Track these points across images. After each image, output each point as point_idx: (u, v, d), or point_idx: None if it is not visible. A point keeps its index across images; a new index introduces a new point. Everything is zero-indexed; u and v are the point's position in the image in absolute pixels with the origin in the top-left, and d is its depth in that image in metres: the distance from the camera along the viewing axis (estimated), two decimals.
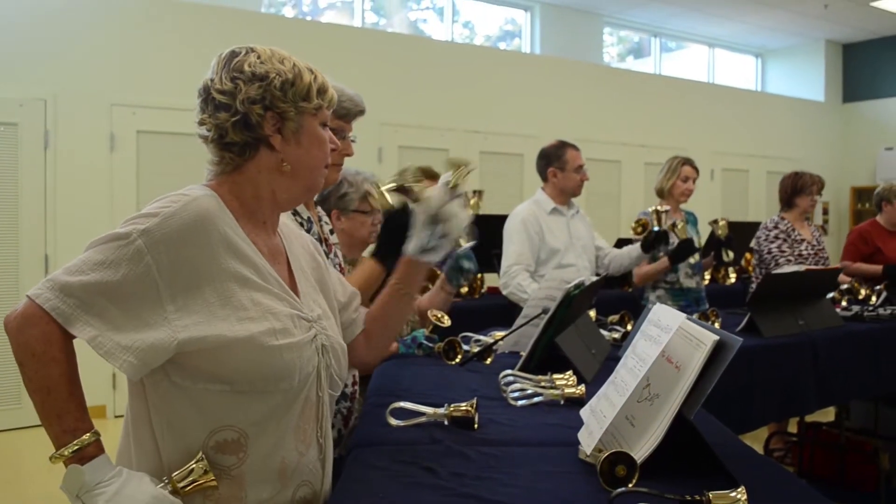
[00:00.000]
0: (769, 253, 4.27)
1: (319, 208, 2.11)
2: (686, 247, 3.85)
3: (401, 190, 1.62)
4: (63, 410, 1.16)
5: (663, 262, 3.93)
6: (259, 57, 1.32)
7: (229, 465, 1.23)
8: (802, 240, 4.33)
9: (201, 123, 1.32)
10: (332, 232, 2.10)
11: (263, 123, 1.30)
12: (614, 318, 3.02)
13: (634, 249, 3.78)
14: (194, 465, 1.19)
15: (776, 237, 4.30)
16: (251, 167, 1.33)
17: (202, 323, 1.19)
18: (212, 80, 1.31)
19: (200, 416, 1.22)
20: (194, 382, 1.21)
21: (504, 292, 3.65)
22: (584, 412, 1.52)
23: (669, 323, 1.36)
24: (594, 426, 1.40)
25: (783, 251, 4.25)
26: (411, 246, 1.54)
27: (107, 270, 1.16)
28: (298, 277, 1.42)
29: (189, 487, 1.19)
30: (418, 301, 2.44)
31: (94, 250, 1.19)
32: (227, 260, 1.25)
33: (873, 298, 3.89)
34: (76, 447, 1.15)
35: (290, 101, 1.31)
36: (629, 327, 2.86)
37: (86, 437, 1.16)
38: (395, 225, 1.84)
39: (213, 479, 1.20)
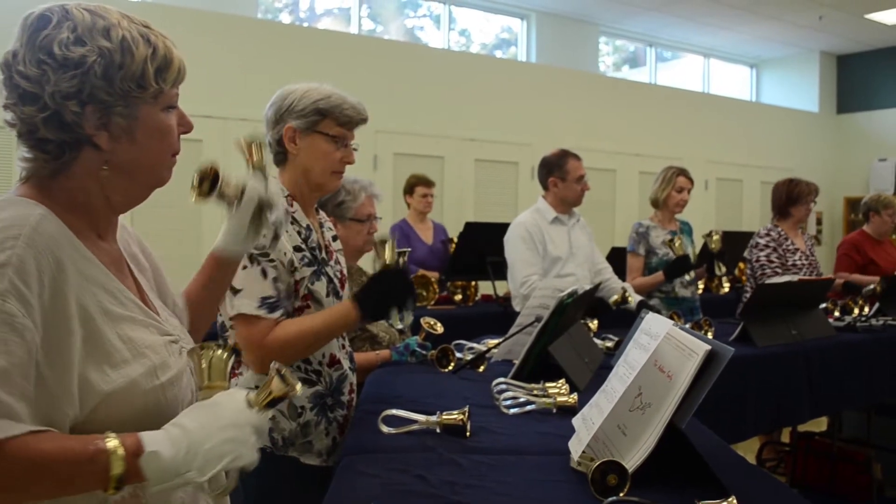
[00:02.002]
0: (757, 261, 4.24)
1: (322, 213, 2.10)
2: (682, 263, 3.87)
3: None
4: (71, 471, 0.94)
5: (658, 275, 3.94)
6: (74, 30, 1.02)
7: None
8: (796, 249, 4.29)
9: (5, 108, 1.05)
10: (335, 238, 2.09)
11: (82, 121, 1.03)
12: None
13: (632, 299, 3.61)
14: (273, 381, 1.06)
15: (766, 245, 4.26)
16: (77, 170, 1.07)
17: (72, 379, 0.98)
18: (13, 56, 1.03)
19: None
20: None
21: (530, 304, 3.55)
22: (576, 421, 1.52)
23: (658, 331, 1.37)
24: (584, 433, 1.40)
25: (771, 261, 4.20)
26: (233, 240, 1.35)
27: None
28: (145, 286, 1.22)
29: (265, 402, 1.06)
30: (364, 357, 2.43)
31: None
32: (83, 295, 1.01)
33: (866, 309, 3.90)
34: (117, 459, 0.94)
35: (118, 90, 1.04)
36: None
37: (109, 444, 0.95)
38: (390, 284, 1.83)
39: (293, 389, 1.06)
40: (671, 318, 3.50)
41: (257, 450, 1.04)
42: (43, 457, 0.92)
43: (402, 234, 5.17)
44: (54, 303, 0.97)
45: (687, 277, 4.03)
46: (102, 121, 1.05)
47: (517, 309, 3.51)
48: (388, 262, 1.87)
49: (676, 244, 3.86)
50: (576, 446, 1.40)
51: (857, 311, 3.82)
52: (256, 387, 1.10)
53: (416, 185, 5.26)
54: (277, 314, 1.77)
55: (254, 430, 1.03)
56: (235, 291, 1.74)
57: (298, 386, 1.08)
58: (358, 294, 1.84)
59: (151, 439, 0.97)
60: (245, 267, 1.75)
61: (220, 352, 1.10)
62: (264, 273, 1.76)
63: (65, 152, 1.05)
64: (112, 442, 0.95)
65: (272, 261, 1.77)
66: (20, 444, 0.90)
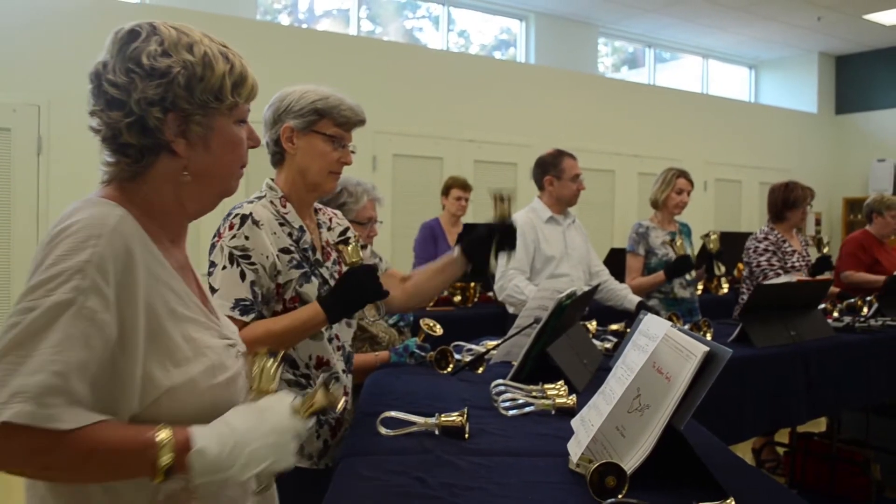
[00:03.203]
0: (758, 266, 4.24)
1: (322, 214, 2.09)
2: (683, 263, 3.88)
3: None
4: (123, 460, 1.01)
5: (659, 275, 3.94)
6: (162, 43, 1.11)
7: None
8: (793, 251, 4.31)
9: (92, 115, 1.13)
10: (344, 232, 2.08)
11: (163, 128, 1.11)
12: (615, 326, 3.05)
13: (629, 302, 3.72)
14: (318, 392, 1.13)
15: (766, 249, 4.27)
16: (154, 175, 1.14)
17: (137, 373, 1.05)
18: (104, 66, 1.12)
19: None
20: None
21: (500, 297, 3.62)
22: (575, 422, 1.52)
23: (657, 332, 1.37)
24: (583, 435, 1.40)
25: (772, 264, 4.21)
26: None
27: (73, 349, 0.97)
28: (207, 292, 1.30)
29: (308, 411, 1.12)
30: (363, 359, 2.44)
31: (40, 330, 0.97)
32: (152, 295, 1.09)
33: (865, 309, 3.91)
34: (166, 452, 1.00)
35: (198, 101, 1.12)
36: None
37: (160, 437, 1.00)
38: (353, 282, 1.81)
39: (337, 402, 1.13)
40: (670, 318, 3.53)
41: (294, 455, 1.10)
42: (100, 444, 0.98)
43: (431, 233, 5.15)
44: (126, 300, 1.04)
45: (688, 277, 4.04)
46: (181, 128, 1.13)
47: (499, 298, 3.56)
48: (353, 260, 1.85)
49: (678, 244, 3.87)
50: (574, 448, 1.40)
51: (865, 309, 3.85)
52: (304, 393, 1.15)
53: (452, 187, 5.25)
54: (250, 317, 1.76)
55: (295, 436, 1.10)
56: (213, 290, 1.75)
57: (342, 401, 1.14)
58: (324, 296, 1.84)
59: (200, 436, 1.02)
60: (225, 267, 1.75)
61: (271, 360, 1.18)
62: (243, 275, 1.76)
63: (144, 157, 1.12)
64: (163, 434, 1.00)
65: (253, 263, 1.77)
66: (84, 431, 0.97)
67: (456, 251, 2.03)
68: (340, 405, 1.15)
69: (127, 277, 1.04)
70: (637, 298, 3.72)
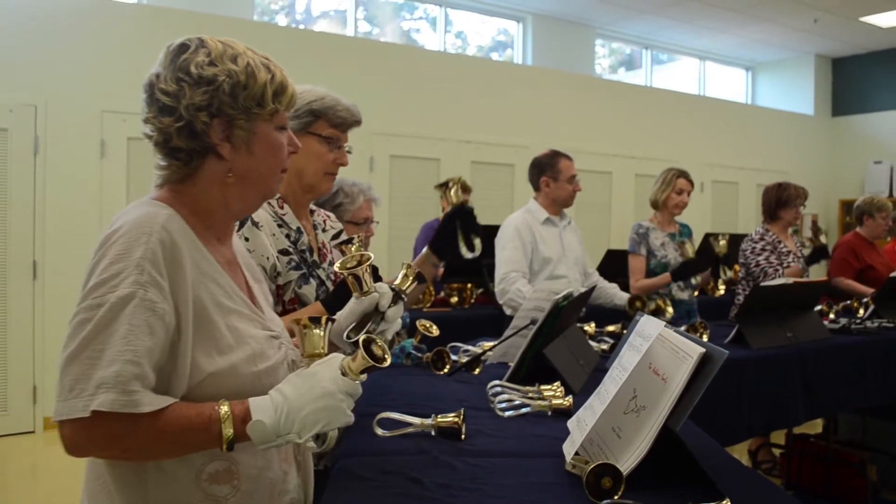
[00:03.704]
0: (757, 266, 4.25)
1: (317, 216, 2.09)
2: (691, 266, 3.91)
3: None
4: (191, 435, 1.11)
5: (665, 277, 3.97)
6: (209, 54, 1.22)
7: (225, 494, 1.21)
8: (788, 252, 4.32)
9: (146, 122, 1.24)
10: (338, 235, 2.08)
11: (210, 132, 1.21)
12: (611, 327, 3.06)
13: (619, 298, 3.75)
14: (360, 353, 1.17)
15: (763, 249, 4.28)
16: (202, 176, 1.25)
17: (187, 358, 1.16)
18: (157, 77, 1.22)
19: None
20: None
21: (501, 300, 3.60)
22: (571, 423, 1.52)
23: (651, 332, 1.37)
24: (578, 436, 1.40)
25: (771, 262, 4.23)
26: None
27: (140, 338, 1.08)
28: (254, 287, 1.39)
29: (359, 370, 1.17)
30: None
31: (109, 324, 1.08)
32: (199, 287, 1.19)
33: (861, 311, 3.92)
34: (228, 426, 1.11)
35: (241, 106, 1.22)
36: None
37: (223, 410, 1.12)
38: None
39: (384, 359, 1.18)
40: (658, 307, 3.55)
41: (351, 411, 1.17)
42: (170, 424, 1.09)
43: (431, 232, 5.14)
44: (176, 291, 1.15)
45: (693, 282, 4.05)
46: (226, 132, 1.23)
47: (500, 301, 3.56)
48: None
49: (687, 248, 3.89)
50: (569, 449, 1.40)
51: (861, 311, 3.86)
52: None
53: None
54: None
55: (346, 395, 1.16)
56: None
57: (388, 357, 1.19)
58: (325, 297, 1.84)
59: (257, 407, 1.12)
60: None
61: (317, 328, 1.24)
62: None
63: (193, 159, 1.23)
64: (224, 409, 1.12)
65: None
66: (157, 413, 1.08)
67: (425, 250, 2.07)
68: (388, 362, 1.18)
69: (176, 271, 1.15)
70: (626, 295, 3.74)
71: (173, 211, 1.21)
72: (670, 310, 3.63)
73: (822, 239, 4.50)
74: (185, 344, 1.15)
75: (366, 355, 1.16)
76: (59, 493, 4.14)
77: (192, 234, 1.22)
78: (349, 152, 1.97)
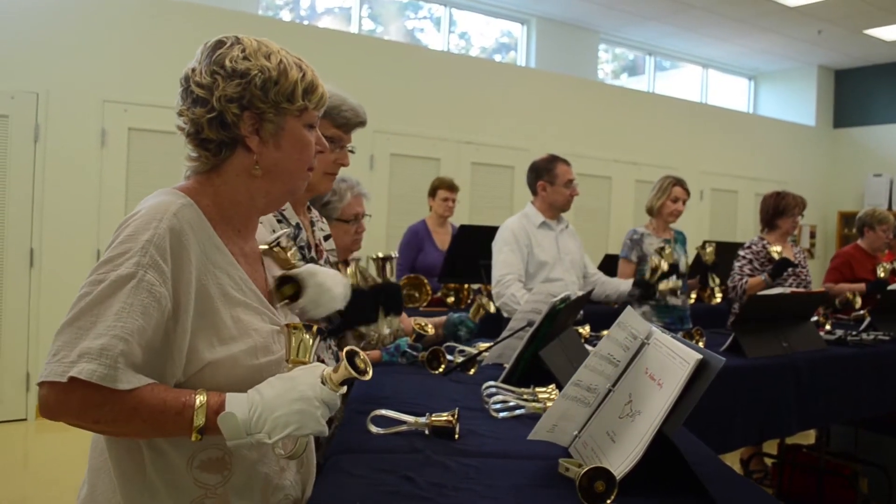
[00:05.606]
0: (737, 272, 4.30)
1: (314, 213, 2.09)
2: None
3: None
4: (164, 418, 1.12)
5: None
6: (244, 50, 1.25)
7: (214, 483, 1.22)
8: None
9: (180, 114, 1.28)
10: (327, 238, 2.08)
11: (240, 123, 1.24)
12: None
13: (625, 285, 3.84)
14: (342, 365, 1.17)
15: (744, 257, 4.33)
16: (228, 168, 1.28)
17: (185, 344, 1.18)
18: (193, 71, 1.26)
19: None
20: None
21: (497, 303, 3.60)
22: (553, 408, 1.49)
23: (638, 330, 1.37)
24: (553, 417, 1.40)
25: (744, 271, 4.26)
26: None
27: (132, 317, 1.10)
28: (272, 283, 1.40)
29: (338, 380, 1.17)
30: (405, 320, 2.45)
31: (105, 299, 1.11)
32: (205, 275, 1.21)
33: (857, 302, 3.95)
34: (200, 414, 1.12)
35: (271, 101, 1.25)
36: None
37: (199, 399, 1.13)
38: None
39: (365, 373, 1.17)
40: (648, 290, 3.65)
41: (325, 422, 1.16)
42: (144, 403, 1.10)
43: (414, 238, 5.11)
44: (178, 277, 1.16)
45: (678, 293, 4.06)
46: (255, 126, 1.25)
47: (496, 304, 3.57)
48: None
49: (666, 252, 3.90)
50: (544, 423, 1.42)
51: (859, 301, 3.89)
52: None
53: (439, 188, 5.23)
54: None
55: (322, 404, 1.15)
56: None
57: (370, 370, 1.19)
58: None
59: (232, 401, 1.13)
60: None
61: (307, 334, 1.25)
62: None
63: (222, 150, 1.26)
64: (200, 398, 1.13)
65: None
66: (134, 391, 1.09)
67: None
68: (369, 375, 1.18)
69: (181, 258, 1.17)
70: (630, 283, 3.85)
71: (191, 200, 1.24)
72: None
73: (795, 251, 4.51)
74: (182, 330, 1.16)
75: (348, 366, 1.16)
76: (50, 480, 4.14)
77: (209, 224, 1.25)
78: (352, 152, 1.96)
